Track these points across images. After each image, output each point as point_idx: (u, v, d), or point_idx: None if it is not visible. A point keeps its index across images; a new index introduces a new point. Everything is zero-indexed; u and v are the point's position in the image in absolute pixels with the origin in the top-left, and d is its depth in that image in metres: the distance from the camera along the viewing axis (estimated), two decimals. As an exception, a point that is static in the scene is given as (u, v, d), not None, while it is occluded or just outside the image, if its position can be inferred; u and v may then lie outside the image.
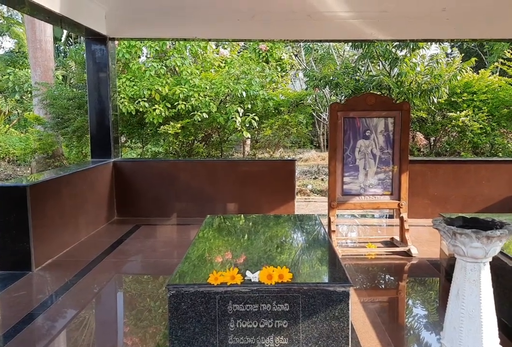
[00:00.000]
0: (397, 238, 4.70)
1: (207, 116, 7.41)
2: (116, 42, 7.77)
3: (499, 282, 3.18)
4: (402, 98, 7.91)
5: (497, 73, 9.93)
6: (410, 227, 4.59)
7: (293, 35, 6.20)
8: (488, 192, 5.90)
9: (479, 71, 8.71)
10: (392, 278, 4.01)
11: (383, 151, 4.53)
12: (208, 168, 6.09)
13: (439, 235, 4.13)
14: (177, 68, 7.92)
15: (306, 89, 8.60)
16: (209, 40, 6.86)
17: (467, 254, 2.12)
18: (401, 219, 4.56)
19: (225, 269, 2.55)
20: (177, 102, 7.35)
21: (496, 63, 8.65)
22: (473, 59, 8.05)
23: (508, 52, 8.41)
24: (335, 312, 2.50)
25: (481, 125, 8.05)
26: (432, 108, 8.34)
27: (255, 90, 7.54)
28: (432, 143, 9.00)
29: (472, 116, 8.11)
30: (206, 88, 7.59)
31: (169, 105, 7.44)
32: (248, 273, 2.53)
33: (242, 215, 4.12)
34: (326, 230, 4.49)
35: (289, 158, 8.17)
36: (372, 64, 8.55)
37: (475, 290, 2.13)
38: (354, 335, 2.81)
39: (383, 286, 3.81)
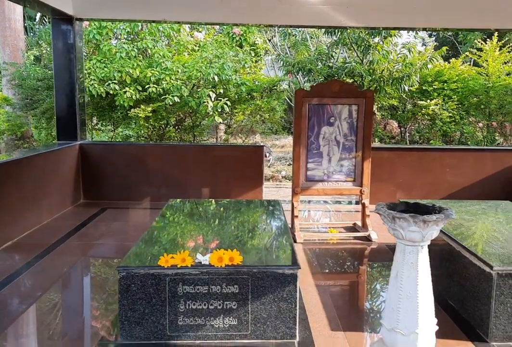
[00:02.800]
0: (360, 223, 4.80)
1: (178, 100, 7.36)
2: (87, 23, 7.64)
3: (447, 265, 3.29)
4: (374, 86, 7.98)
5: (471, 63, 10.07)
6: (374, 213, 4.67)
7: (263, 20, 6.18)
8: (452, 179, 6.03)
9: (450, 60, 8.82)
10: (350, 262, 4.10)
11: (346, 138, 4.59)
12: (178, 152, 6.08)
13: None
14: (149, 51, 7.82)
15: (285, 75, 8.57)
16: (178, 23, 6.80)
17: (405, 237, 2.19)
18: (363, 205, 4.65)
19: (177, 251, 2.57)
20: (148, 85, 7.28)
21: (467, 53, 8.76)
22: (444, 48, 8.13)
23: (479, 42, 8.52)
24: (283, 294, 2.56)
25: (450, 114, 8.19)
26: (404, 96, 8.44)
27: (228, 74, 7.51)
28: (404, 131, 9.13)
29: (442, 105, 8.24)
30: (178, 71, 7.52)
31: (140, 88, 7.36)
32: (198, 255, 2.57)
33: (203, 200, 4.15)
34: (290, 215, 4.57)
35: (258, 144, 8.18)
36: (350, 51, 8.57)
37: (412, 272, 2.21)
38: (304, 316, 2.88)
39: (340, 270, 3.89)
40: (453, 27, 7.39)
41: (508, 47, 8.35)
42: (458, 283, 3.08)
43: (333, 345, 2.58)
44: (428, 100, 8.20)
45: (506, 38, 8.60)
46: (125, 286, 2.49)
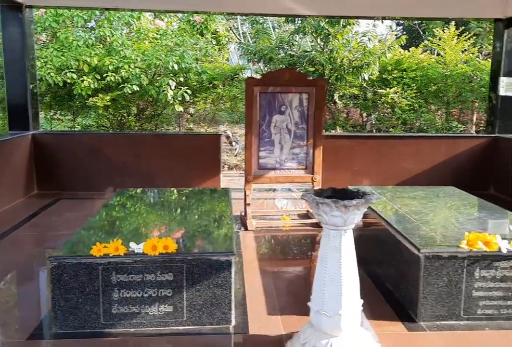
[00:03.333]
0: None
1: (138, 89, 7.28)
2: (43, 10, 7.47)
3: (385, 249, 3.39)
4: (335, 74, 8.04)
5: (434, 53, 10.21)
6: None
7: (223, 8, 6.15)
8: (407, 166, 6.14)
9: (410, 49, 8.93)
10: (299, 248, 4.17)
11: (298, 126, 4.63)
12: (136, 142, 6.04)
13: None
14: (108, 39, 7.70)
15: (248, 63, 8.56)
16: (132, 10, 6.70)
17: (328, 222, 2.25)
18: (315, 192, 4.71)
19: (111, 240, 2.57)
20: (106, 74, 7.17)
21: (426, 42, 8.89)
22: (403, 37, 8.23)
23: (438, 31, 8.65)
24: (218, 280, 2.60)
25: (409, 102, 8.32)
26: (364, 85, 8.53)
27: (188, 63, 7.45)
28: (366, 119, 9.24)
29: (401, 93, 8.36)
30: (137, 59, 7.43)
31: (99, 77, 7.25)
32: (132, 244, 2.58)
33: (150, 189, 4.15)
34: (242, 203, 4.60)
35: (216, 133, 8.16)
36: (311, 40, 8.59)
37: (336, 255, 2.27)
38: (244, 301, 2.93)
39: (288, 256, 3.96)
40: (411, 16, 7.50)
41: (465, 36, 8.50)
42: (394, 266, 3.17)
43: (267, 327, 2.64)
44: (388, 89, 8.31)
45: (463, 27, 8.73)
46: (57, 276, 2.49)
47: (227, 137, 9.10)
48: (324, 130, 8.88)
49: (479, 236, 2.71)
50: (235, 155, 9.86)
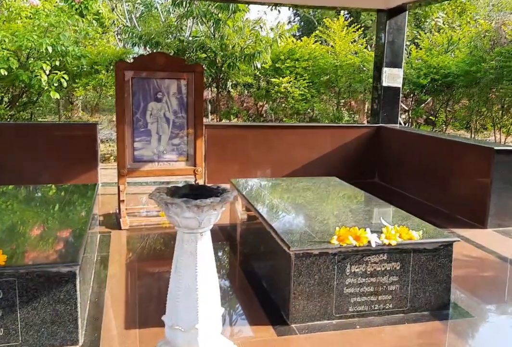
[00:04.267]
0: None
1: (6, 73, 6.46)
2: None
3: (262, 246, 3.20)
4: (228, 62, 7.79)
5: (328, 44, 10.32)
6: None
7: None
8: (298, 156, 6.06)
9: (302, 38, 8.94)
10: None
11: (177, 115, 4.30)
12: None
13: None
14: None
15: (133, 47, 7.98)
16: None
17: (181, 225, 1.96)
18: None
19: None
20: (-34, 56, 6.27)
21: (317, 32, 8.95)
22: (295, 26, 8.23)
23: (328, 21, 8.72)
24: (60, 295, 2.22)
25: (302, 92, 8.32)
26: (258, 73, 8.39)
27: (64, 45, 6.76)
28: (260, 109, 9.13)
29: (294, 83, 8.33)
30: (5, 40, 6.59)
31: (-43, 59, 6.32)
32: None
33: (10, 186, 3.60)
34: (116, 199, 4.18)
35: (91, 122, 7.55)
36: (202, 25, 8.24)
37: (192, 262, 2.00)
38: (99, 314, 2.58)
39: (160, 257, 3.61)
40: (301, 4, 7.41)
41: (354, 27, 8.66)
42: (269, 264, 2.99)
43: (121, 345, 2.31)
44: (281, 78, 8.24)
45: (351, 18, 8.89)
46: None
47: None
48: (208, 119, 8.66)
49: (349, 231, 2.59)
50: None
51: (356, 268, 2.58)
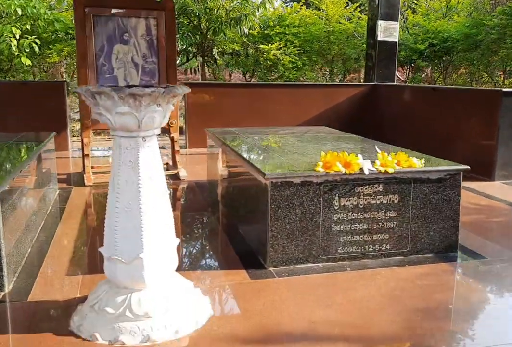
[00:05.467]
0: (171, 162, 4.14)
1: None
2: None
3: (242, 194, 2.78)
4: (213, 27, 7.31)
5: (320, 9, 9.81)
6: (195, 155, 4.10)
7: None
8: (286, 117, 5.58)
9: (292, 4, 8.46)
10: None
11: (146, 59, 3.84)
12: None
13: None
14: None
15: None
16: None
17: (115, 124, 1.53)
18: (172, 140, 3.99)
19: None
20: None
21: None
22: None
23: (318, -16, 8.24)
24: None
25: (292, 59, 7.85)
26: (245, 40, 7.91)
27: (35, 7, 6.28)
28: (248, 80, 8.66)
29: (284, 50, 7.86)
30: (-31, 2, 6.11)
31: None
32: None
33: None
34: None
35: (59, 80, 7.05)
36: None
37: (132, 175, 1.56)
38: (39, 263, 2.15)
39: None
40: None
41: (346, -10, 8.20)
42: (247, 208, 2.56)
43: (57, 291, 1.88)
44: (270, 45, 7.76)
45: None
46: None
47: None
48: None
49: (337, 156, 2.15)
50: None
51: (346, 201, 2.15)
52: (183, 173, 3.86)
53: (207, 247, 2.51)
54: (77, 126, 6.19)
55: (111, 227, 1.60)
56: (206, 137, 4.76)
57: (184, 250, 2.40)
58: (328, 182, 2.11)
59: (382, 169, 2.14)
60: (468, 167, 2.29)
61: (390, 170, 2.15)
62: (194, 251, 2.44)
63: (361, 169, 2.12)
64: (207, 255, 2.38)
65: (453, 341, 1.58)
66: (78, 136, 5.74)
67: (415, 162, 2.21)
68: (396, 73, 7.20)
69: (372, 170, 2.14)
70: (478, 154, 4.07)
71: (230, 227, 2.75)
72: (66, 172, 4.05)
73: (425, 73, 8.92)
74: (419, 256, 2.25)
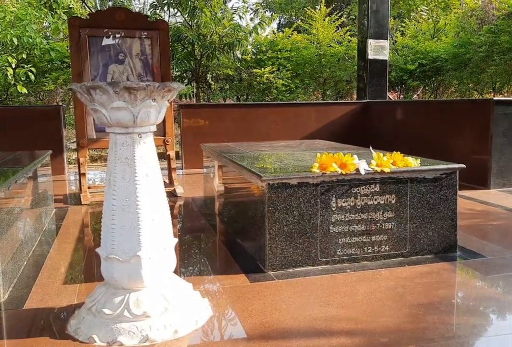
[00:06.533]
0: (167, 180, 4.14)
1: (-31, 67, 6.09)
2: None
3: (238, 204, 2.78)
4: (206, 53, 7.46)
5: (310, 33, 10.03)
6: (192, 175, 4.12)
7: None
8: (278, 136, 5.61)
9: (284, 29, 8.67)
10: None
11: (141, 78, 3.90)
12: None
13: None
14: None
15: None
16: None
17: (111, 120, 1.54)
18: (168, 157, 4.01)
19: None
20: None
21: (298, 21, 8.69)
22: (275, 15, 7.92)
23: (308, 9, 8.47)
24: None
25: (285, 83, 7.98)
26: (239, 65, 8.06)
27: (31, 37, 6.40)
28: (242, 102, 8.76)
29: (277, 73, 8.00)
30: (-32, 34, 6.24)
31: None
32: None
33: None
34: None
35: (57, 104, 7.08)
36: (176, 13, 7.93)
37: (128, 171, 1.56)
38: (36, 273, 2.12)
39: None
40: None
41: (336, 14, 8.41)
42: (244, 216, 2.55)
43: (53, 300, 1.84)
44: (263, 69, 7.91)
45: (334, 5, 8.64)
46: None
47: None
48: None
49: (333, 157, 2.16)
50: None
51: (343, 202, 2.14)
52: (179, 190, 3.86)
53: (204, 255, 2.48)
54: (74, 155, 6.21)
55: (108, 225, 1.59)
56: (202, 158, 4.79)
57: (181, 257, 2.37)
58: (325, 182, 2.11)
59: (378, 169, 2.15)
60: (464, 166, 2.30)
61: (386, 170, 2.15)
62: (191, 258, 2.41)
63: (357, 169, 2.13)
64: (205, 262, 2.35)
65: (457, 333, 1.55)
66: (74, 163, 5.76)
67: (411, 162, 2.23)
68: (388, 95, 7.34)
69: (368, 170, 2.14)
70: (472, 163, 4.08)
71: (228, 237, 2.74)
72: (62, 193, 4.04)
73: (417, 94, 9.07)
74: (419, 257, 2.23)
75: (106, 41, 3.70)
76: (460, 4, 8.71)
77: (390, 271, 2.07)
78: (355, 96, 8.95)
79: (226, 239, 2.73)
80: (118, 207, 1.57)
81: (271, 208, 2.06)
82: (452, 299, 1.81)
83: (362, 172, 2.13)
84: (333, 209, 2.13)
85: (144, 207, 1.57)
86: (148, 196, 1.58)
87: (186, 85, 8.62)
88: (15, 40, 6.27)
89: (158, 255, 1.60)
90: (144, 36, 3.83)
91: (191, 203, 3.67)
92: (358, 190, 2.15)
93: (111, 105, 1.51)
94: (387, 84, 5.90)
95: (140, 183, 1.56)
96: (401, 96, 9.08)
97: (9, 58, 6.26)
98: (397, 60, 8.21)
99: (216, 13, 7.28)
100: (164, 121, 3.95)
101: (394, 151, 2.29)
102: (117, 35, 3.76)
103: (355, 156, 2.19)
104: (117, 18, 3.72)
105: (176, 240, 1.70)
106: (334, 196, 2.13)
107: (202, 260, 2.41)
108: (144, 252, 1.56)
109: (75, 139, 6.12)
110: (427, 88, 8.84)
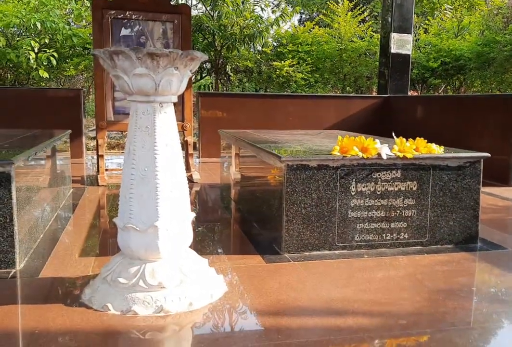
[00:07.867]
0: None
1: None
2: None
3: (254, 190, 2.75)
4: (227, 44, 7.44)
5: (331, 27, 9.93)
6: (209, 163, 4.11)
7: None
8: (296, 128, 5.59)
9: (305, 23, 8.60)
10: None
11: (162, 63, 3.88)
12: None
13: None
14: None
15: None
16: None
17: (133, 88, 1.53)
18: (186, 143, 3.99)
19: None
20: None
21: (320, 15, 8.62)
22: (297, 7, 7.86)
23: (331, 3, 8.39)
24: (-10, 201, 1.77)
25: (304, 76, 7.92)
26: (259, 57, 8.03)
27: (54, 22, 6.45)
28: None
29: (297, 67, 7.95)
30: (-8, 18, 6.31)
31: None
32: None
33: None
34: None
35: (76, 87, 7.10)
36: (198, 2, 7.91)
37: (148, 140, 1.55)
38: (52, 245, 2.12)
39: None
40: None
41: (359, 9, 8.32)
42: (261, 199, 2.53)
43: (69, 270, 1.84)
44: (283, 62, 7.86)
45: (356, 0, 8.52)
46: None
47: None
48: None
49: (354, 141, 2.12)
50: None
51: (363, 187, 2.10)
52: (196, 176, 3.84)
53: (220, 236, 2.47)
54: (92, 143, 6.23)
55: (126, 195, 1.57)
56: (219, 148, 4.75)
57: (196, 237, 2.35)
58: (345, 166, 2.07)
59: (400, 154, 2.11)
60: (489, 155, 2.24)
61: (409, 155, 2.11)
62: (207, 238, 2.39)
63: (379, 154, 2.09)
64: (220, 242, 2.33)
65: (478, 319, 1.51)
66: (92, 149, 5.77)
67: (434, 149, 2.18)
68: (410, 93, 7.21)
69: (390, 155, 2.10)
70: (493, 160, 4.00)
71: (243, 219, 2.72)
72: (80, 175, 4.06)
73: (438, 93, 8.94)
74: (439, 246, 2.18)
75: (124, 32, 3.71)
76: (486, 2, 8.57)
77: (409, 259, 2.03)
78: (375, 93, 8.86)
79: (241, 221, 2.71)
80: (137, 176, 1.55)
81: (289, 190, 2.03)
82: (472, 286, 1.77)
83: (384, 157, 2.09)
84: (353, 193, 2.09)
85: (163, 177, 1.55)
86: (167, 166, 1.56)
87: (205, 76, 8.62)
88: (38, 24, 6.32)
89: (176, 226, 1.58)
90: (166, 19, 3.81)
91: (207, 188, 3.65)
92: (379, 175, 2.11)
93: (133, 72, 1.49)
94: (409, 79, 5.81)
95: (159, 152, 1.55)
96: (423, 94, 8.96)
97: (32, 42, 6.31)
98: (419, 57, 8.10)
99: (237, 4, 7.25)
100: (183, 106, 3.95)
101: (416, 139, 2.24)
102: (140, 18, 3.75)
103: (377, 140, 2.15)
104: (140, 0, 3.71)
105: (194, 214, 1.68)
106: (354, 180, 2.09)
107: (217, 240, 2.39)
108: (161, 222, 1.54)
109: (93, 128, 6.18)
110: (448, 87, 8.71)
